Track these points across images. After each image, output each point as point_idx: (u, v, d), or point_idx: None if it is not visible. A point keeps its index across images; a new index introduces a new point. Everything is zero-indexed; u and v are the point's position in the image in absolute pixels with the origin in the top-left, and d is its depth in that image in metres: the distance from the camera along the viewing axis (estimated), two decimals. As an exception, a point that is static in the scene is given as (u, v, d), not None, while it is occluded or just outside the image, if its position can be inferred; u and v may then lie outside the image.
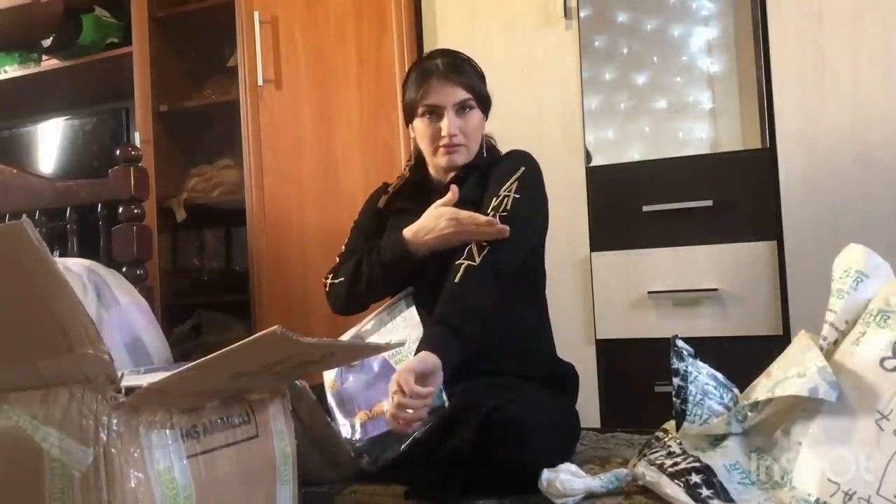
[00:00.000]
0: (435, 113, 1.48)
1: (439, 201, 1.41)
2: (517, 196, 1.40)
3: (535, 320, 1.52)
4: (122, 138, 2.80)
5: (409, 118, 1.55)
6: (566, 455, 1.33)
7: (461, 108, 1.48)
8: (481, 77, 1.54)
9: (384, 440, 1.28)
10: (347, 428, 1.35)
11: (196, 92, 2.75)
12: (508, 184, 1.43)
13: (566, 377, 1.50)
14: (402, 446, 1.25)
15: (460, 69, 1.49)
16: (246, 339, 0.81)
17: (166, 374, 0.83)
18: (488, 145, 1.60)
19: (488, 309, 1.30)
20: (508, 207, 1.39)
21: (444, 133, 1.46)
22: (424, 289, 1.44)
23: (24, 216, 1.12)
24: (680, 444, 1.17)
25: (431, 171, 1.57)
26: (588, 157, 2.13)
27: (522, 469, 1.16)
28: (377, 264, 1.45)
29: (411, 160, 1.63)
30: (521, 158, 1.51)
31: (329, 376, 1.44)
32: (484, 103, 1.52)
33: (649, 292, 2.04)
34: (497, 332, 1.38)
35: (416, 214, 1.45)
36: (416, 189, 1.57)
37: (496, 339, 1.38)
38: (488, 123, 1.60)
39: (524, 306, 1.49)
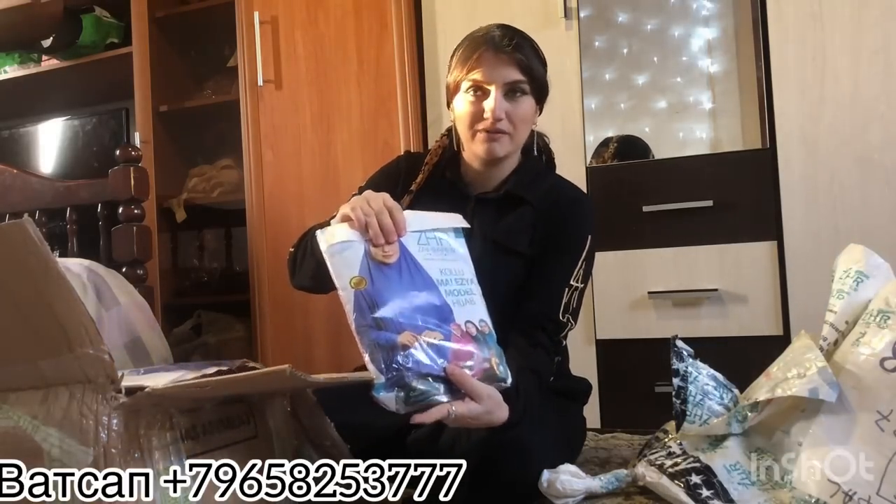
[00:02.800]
0: (481, 90, 1.28)
1: None
2: (581, 286, 1.29)
3: None
4: (122, 138, 2.80)
5: (452, 93, 1.34)
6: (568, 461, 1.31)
7: (512, 90, 1.28)
8: (542, 61, 1.34)
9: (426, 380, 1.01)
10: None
11: (196, 92, 2.75)
12: (577, 269, 1.28)
13: (578, 391, 1.44)
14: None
15: (519, 45, 1.29)
16: (254, 373, 0.80)
17: (166, 374, 0.83)
18: (545, 148, 1.45)
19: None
20: (575, 304, 1.28)
21: (486, 115, 1.27)
22: None
23: (25, 216, 1.12)
24: (680, 444, 1.17)
25: (465, 168, 1.38)
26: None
27: (523, 486, 1.14)
28: (311, 255, 1.20)
29: (443, 146, 1.42)
30: (584, 218, 1.34)
31: (351, 270, 1.04)
32: (540, 91, 1.32)
33: (649, 292, 2.04)
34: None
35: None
36: (444, 189, 1.37)
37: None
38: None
39: None
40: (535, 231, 1.32)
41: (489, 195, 1.36)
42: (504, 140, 1.29)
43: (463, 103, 1.31)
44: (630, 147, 2.15)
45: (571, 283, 1.28)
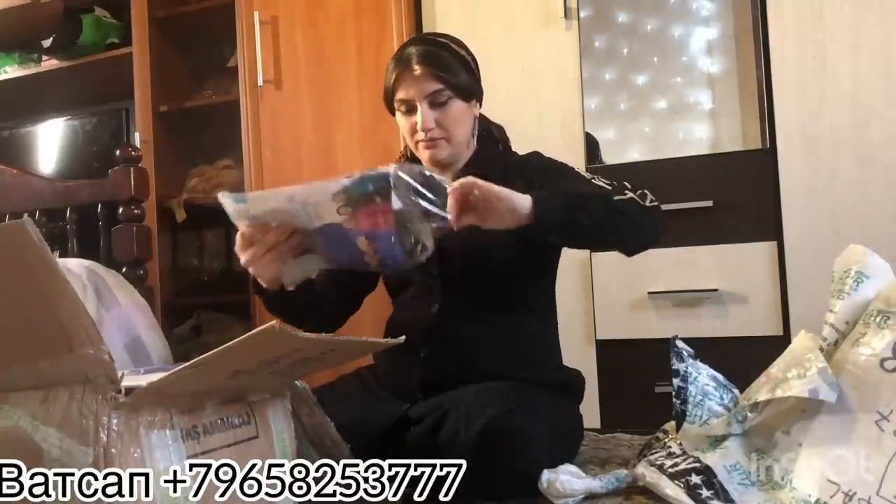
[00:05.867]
0: (410, 108, 1.38)
1: None
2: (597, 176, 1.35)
3: (543, 328, 1.47)
4: (122, 138, 2.80)
5: (390, 110, 1.46)
6: (568, 460, 1.32)
7: (434, 100, 1.36)
8: (463, 62, 1.40)
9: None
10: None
11: (196, 92, 2.75)
12: (583, 172, 1.36)
13: (572, 384, 1.46)
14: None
15: (432, 58, 1.36)
16: (244, 335, 0.81)
17: (166, 374, 0.83)
18: (501, 137, 1.53)
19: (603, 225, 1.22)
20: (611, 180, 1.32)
21: (419, 128, 1.37)
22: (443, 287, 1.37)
23: (25, 216, 1.12)
24: (680, 444, 1.17)
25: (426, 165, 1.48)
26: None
27: (523, 477, 1.15)
28: (279, 314, 1.32)
29: (403, 153, 1.55)
30: (546, 158, 1.44)
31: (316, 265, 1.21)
32: (464, 92, 1.38)
33: (649, 292, 2.04)
34: (503, 339, 1.36)
35: None
36: None
37: (502, 345, 1.36)
38: (495, 116, 1.54)
39: (533, 313, 1.43)
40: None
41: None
42: (442, 145, 1.39)
43: (399, 119, 1.42)
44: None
45: (587, 177, 1.34)
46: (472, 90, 1.41)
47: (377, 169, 1.07)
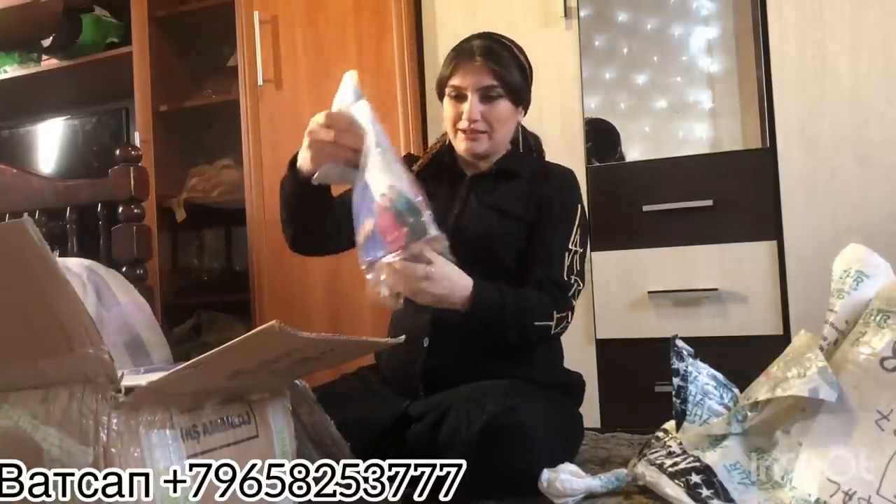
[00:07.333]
0: (460, 95, 1.42)
1: None
2: (581, 250, 1.41)
3: None
4: (122, 138, 2.80)
5: (440, 96, 1.49)
6: (568, 459, 1.32)
7: (486, 94, 1.40)
8: (521, 67, 1.44)
9: None
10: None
11: (196, 92, 2.75)
12: (574, 235, 1.40)
13: (572, 385, 1.47)
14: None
15: (494, 55, 1.41)
16: (244, 335, 0.81)
17: (166, 373, 0.83)
18: (536, 147, 1.57)
19: (507, 335, 1.31)
20: (578, 267, 1.39)
21: (464, 117, 1.41)
22: None
23: (25, 215, 1.12)
24: (680, 443, 1.17)
25: (461, 156, 1.50)
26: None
27: (524, 475, 1.15)
28: (284, 194, 1.38)
29: (442, 139, 1.56)
30: (574, 188, 1.48)
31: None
32: (515, 94, 1.42)
33: (649, 292, 2.04)
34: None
35: (439, 198, 1.42)
36: (443, 171, 1.50)
37: (505, 345, 1.37)
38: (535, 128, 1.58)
39: None
40: (529, 200, 1.44)
41: (483, 172, 1.48)
42: (482, 139, 1.43)
43: (446, 106, 1.46)
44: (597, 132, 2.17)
45: (570, 247, 1.40)
46: (522, 95, 1.46)
47: (430, 228, 1.13)
